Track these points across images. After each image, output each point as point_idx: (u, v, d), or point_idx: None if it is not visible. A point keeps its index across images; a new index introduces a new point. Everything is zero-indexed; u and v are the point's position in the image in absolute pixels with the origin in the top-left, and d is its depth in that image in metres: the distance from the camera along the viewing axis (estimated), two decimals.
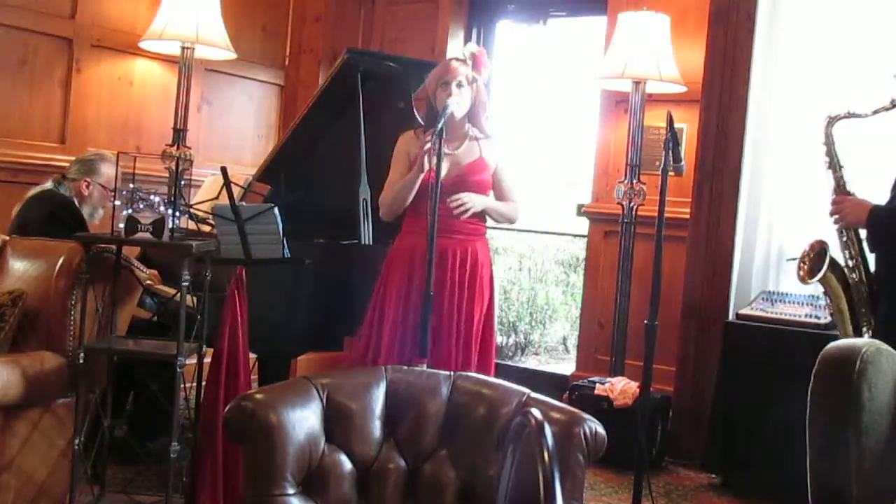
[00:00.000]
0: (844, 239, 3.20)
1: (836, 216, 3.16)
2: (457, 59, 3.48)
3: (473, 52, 3.49)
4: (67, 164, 4.07)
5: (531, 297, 7.23)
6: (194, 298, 3.33)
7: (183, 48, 4.74)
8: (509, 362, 6.56)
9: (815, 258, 3.20)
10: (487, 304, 3.49)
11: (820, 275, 3.14)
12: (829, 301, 3.25)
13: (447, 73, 3.41)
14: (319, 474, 2.31)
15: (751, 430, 4.03)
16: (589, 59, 5.43)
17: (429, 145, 3.26)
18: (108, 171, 3.97)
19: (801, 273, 3.21)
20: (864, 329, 3.15)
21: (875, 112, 3.12)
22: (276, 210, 3.11)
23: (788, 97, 4.40)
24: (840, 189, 3.20)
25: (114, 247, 3.27)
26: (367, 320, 3.52)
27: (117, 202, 3.27)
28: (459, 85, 3.39)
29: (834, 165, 3.21)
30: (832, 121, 3.19)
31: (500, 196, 3.55)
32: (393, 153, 3.59)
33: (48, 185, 3.94)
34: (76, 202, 3.92)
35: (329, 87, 3.99)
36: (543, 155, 7.16)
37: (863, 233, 3.19)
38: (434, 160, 3.17)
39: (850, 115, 3.15)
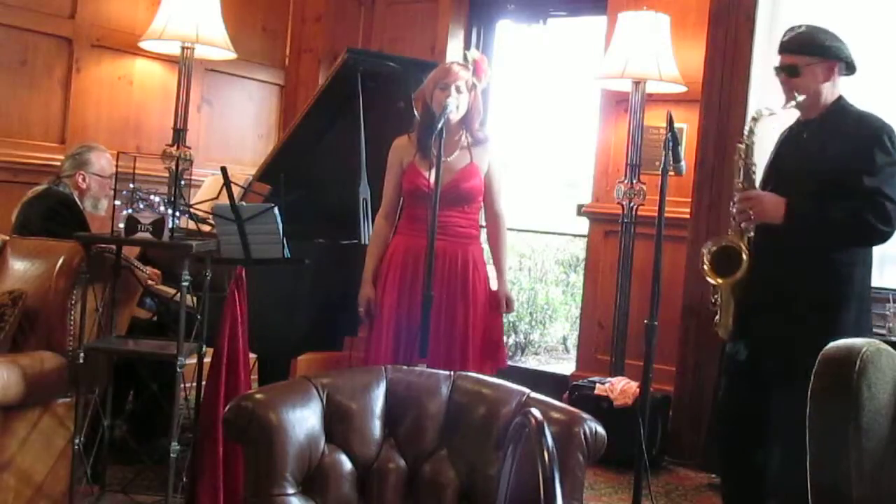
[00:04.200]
0: (750, 236, 3.08)
1: (752, 210, 3.02)
2: (458, 64, 3.48)
3: (475, 59, 3.49)
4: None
5: (531, 297, 7.23)
6: (194, 298, 3.33)
7: (183, 48, 4.74)
8: (509, 362, 6.55)
9: (718, 253, 3.06)
10: (483, 305, 3.48)
11: (732, 279, 3.02)
12: (717, 294, 3.13)
13: (448, 76, 3.41)
14: (319, 474, 2.31)
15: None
16: (589, 59, 5.43)
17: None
18: (98, 160, 3.97)
19: (705, 270, 3.05)
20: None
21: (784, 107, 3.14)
22: (276, 210, 3.11)
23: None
24: (750, 183, 3.09)
25: (114, 247, 3.27)
26: (373, 323, 3.53)
27: (117, 202, 3.27)
28: (459, 89, 3.39)
29: (748, 159, 3.10)
30: (756, 119, 3.11)
31: (487, 200, 3.55)
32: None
33: (43, 185, 3.94)
34: (76, 198, 3.93)
35: (329, 86, 3.99)
36: (543, 155, 7.16)
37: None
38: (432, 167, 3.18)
39: (771, 113, 3.12)
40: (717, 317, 3.16)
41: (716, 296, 3.16)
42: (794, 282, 3.03)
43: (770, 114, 3.12)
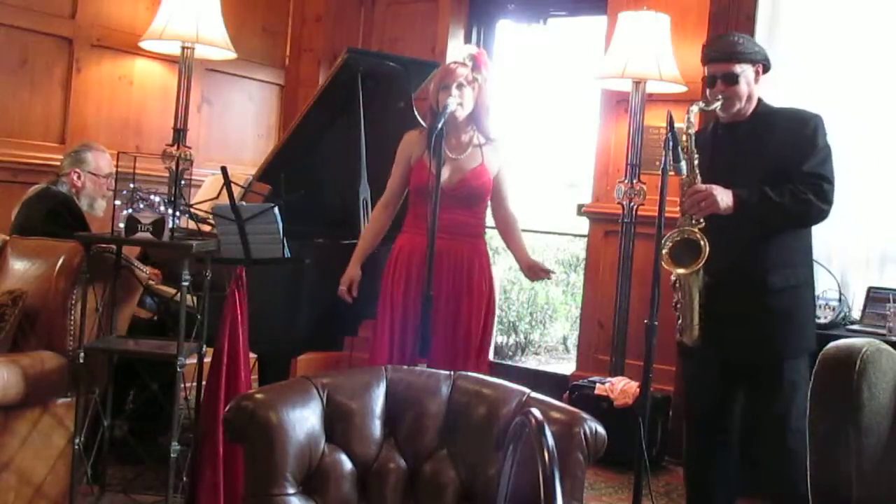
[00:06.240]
0: (703, 226, 3.05)
1: (703, 202, 3.02)
2: (455, 62, 3.49)
3: (472, 53, 3.49)
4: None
5: (531, 296, 7.23)
6: (194, 298, 3.33)
7: (183, 48, 4.74)
8: (509, 362, 6.56)
9: (682, 244, 3.05)
10: (486, 305, 3.49)
11: (694, 267, 3.00)
12: (679, 290, 3.12)
13: (447, 76, 3.42)
14: (319, 474, 2.31)
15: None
16: (589, 59, 5.43)
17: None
18: (94, 159, 3.97)
19: (664, 262, 3.02)
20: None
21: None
22: (276, 210, 3.11)
23: (788, 97, 4.39)
24: (694, 175, 3.08)
25: (114, 247, 3.27)
26: (378, 321, 3.53)
27: (117, 202, 3.27)
28: (460, 86, 3.39)
29: (691, 151, 3.10)
30: (691, 109, 3.11)
31: (496, 201, 3.56)
32: (393, 152, 3.59)
33: (42, 184, 3.94)
34: (75, 197, 3.93)
35: (329, 86, 4.00)
36: (543, 155, 7.17)
37: None
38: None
39: (703, 109, 3.13)
40: (679, 321, 3.14)
41: (676, 298, 3.15)
42: (746, 286, 3.07)
43: (706, 108, 3.15)
